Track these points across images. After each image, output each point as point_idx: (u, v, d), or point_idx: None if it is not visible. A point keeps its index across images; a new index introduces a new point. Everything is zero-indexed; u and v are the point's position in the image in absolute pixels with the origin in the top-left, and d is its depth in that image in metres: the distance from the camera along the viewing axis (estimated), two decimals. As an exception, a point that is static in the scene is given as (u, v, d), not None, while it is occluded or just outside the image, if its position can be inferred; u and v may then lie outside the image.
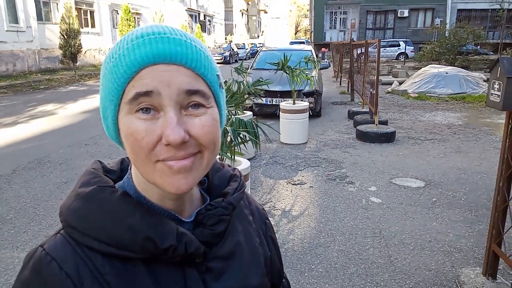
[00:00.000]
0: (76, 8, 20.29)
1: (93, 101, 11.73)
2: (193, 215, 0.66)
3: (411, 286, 2.95)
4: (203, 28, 39.40)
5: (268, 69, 9.16)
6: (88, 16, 22.75)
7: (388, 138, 6.93)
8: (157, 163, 0.56)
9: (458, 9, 30.23)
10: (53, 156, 6.20)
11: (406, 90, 12.77)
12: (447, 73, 12.59)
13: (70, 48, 16.54)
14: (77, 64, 17.62)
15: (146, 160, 0.56)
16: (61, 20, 16.62)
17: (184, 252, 0.60)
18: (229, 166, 0.78)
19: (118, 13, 23.41)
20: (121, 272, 0.58)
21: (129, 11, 21.05)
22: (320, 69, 10.35)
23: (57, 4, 19.90)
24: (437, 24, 26.66)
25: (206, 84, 0.59)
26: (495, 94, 2.61)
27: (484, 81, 12.47)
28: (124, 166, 0.72)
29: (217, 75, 0.62)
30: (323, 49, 28.71)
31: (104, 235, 0.57)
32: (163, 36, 0.56)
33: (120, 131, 0.59)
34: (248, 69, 7.78)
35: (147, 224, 0.58)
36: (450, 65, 15.73)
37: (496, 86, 2.59)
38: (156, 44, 0.55)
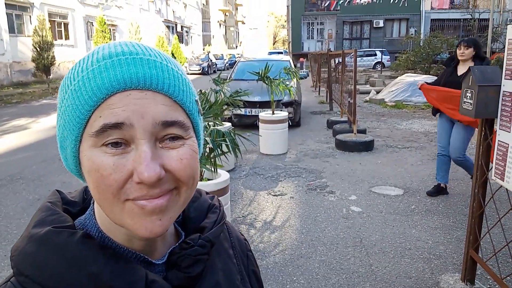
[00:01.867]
0: (49, 20, 19.96)
1: (68, 114, 11.47)
2: (166, 255, 0.58)
3: (392, 295, 2.94)
4: (181, 39, 39.36)
5: (246, 80, 9.18)
6: (62, 28, 22.40)
7: (367, 146, 7.00)
8: (126, 202, 0.49)
9: (431, 19, 31.12)
10: (26, 172, 6.01)
11: (383, 99, 12.99)
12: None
13: (43, 61, 16.23)
14: (50, 77, 17.29)
15: (113, 199, 0.49)
16: (34, 33, 16.32)
17: None
18: (207, 193, 0.72)
19: (93, 25, 23.15)
20: None
21: (104, 22, 20.85)
22: (299, 79, 10.43)
23: (30, 16, 19.54)
24: (412, 34, 27.32)
25: (184, 113, 0.52)
26: (468, 102, 2.66)
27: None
28: (88, 196, 0.63)
29: (196, 101, 0.55)
30: (301, 59, 29.02)
31: (63, 286, 0.49)
32: (136, 57, 0.49)
33: (82, 164, 0.51)
34: (226, 79, 7.76)
35: (111, 272, 0.50)
36: (426, 74, 16.06)
37: (468, 94, 2.64)
38: (127, 66, 0.48)
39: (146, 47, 0.53)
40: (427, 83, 4.86)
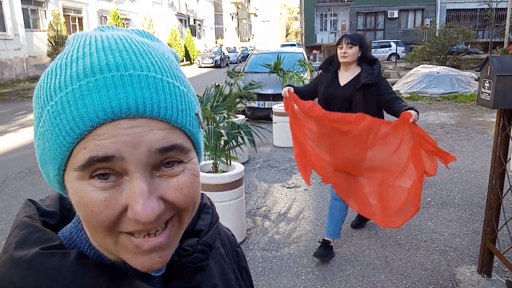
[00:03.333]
0: (64, 15, 20.18)
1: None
2: (164, 266, 0.51)
3: (407, 286, 2.94)
4: (193, 32, 39.40)
5: (259, 72, 9.15)
6: (77, 23, 22.62)
7: (381, 138, 6.93)
8: (120, 235, 0.44)
9: (447, 9, 30.53)
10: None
11: (398, 90, 12.83)
12: (438, 73, 12.69)
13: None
14: (66, 71, 17.53)
15: (106, 233, 0.43)
16: (49, 27, 16.57)
17: None
18: None
19: (106, 19, 23.34)
20: None
21: (118, 16, 21.03)
22: (312, 71, 10.38)
23: (45, 11, 19.77)
24: (427, 24, 26.88)
25: (184, 134, 0.45)
26: (486, 93, 2.62)
27: (475, 80, 12.57)
28: (64, 205, 0.56)
29: (196, 114, 0.48)
30: (314, 51, 28.81)
31: None
32: (124, 74, 0.41)
33: (68, 192, 0.45)
34: (240, 72, 7.76)
35: None
36: (441, 65, 15.85)
37: (487, 84, 2.60)
38: (115, 90, 0.40)
39: (136, 48, 0.44)
40: (295, 89, 3.34)
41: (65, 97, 0.41)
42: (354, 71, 3.14)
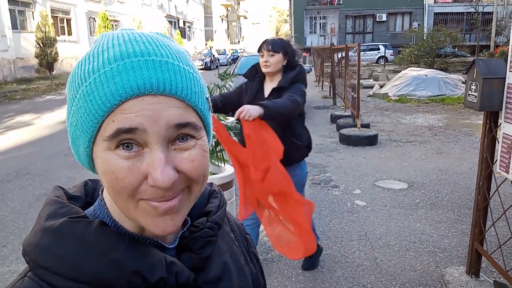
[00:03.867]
0: (52, 16, 20.00)
1: (72, 110, 11.53)
2: (177, 239, 0.60)
3: (397, 287, 2.96)
4: (183, 34, 39.29)
5: (249, 75, 9.15)
6: (65, 24, 22.41)
7: (371, 141, 7.00)
8: (140, 201, 0.50)
9: (435, 13, 30.92)
10: (32, 167, 6.05)
11: (387, 93, 12.96)
12: (426, 75, 12.84)
13: (46, 57, 16.29)
14: (53, 73, 17.36)
15: (128, 198, 0.50)
16: (37, 29, 16.37)
17: (175, 283, 0.54)
18: None
19: (95, 21, 23.14)
20: None
21: (107, 18, 20.84)
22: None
23: (32, 12, 19.55)
24: (415, 28, 27.21)
25: (196, 114, 0.53)
26: (473, 95, 2.65)
27: (463, 82, 12.74)
28: (88, 190, 0.64)
29: (207, 98, 0.56)
30: (304, 53, 28.92)
31: (85, 275, 0.49)
32: (148, 59, 0.49)
33: (96, 164, 0.52)
34: (231, 74, 7.74)
35: (132, 257, 0.52)
36: (429, 68, 16.03)
37: (473, 87, 2.63)
38: (140, 71, 0.48)
39: (157, 42, 0.52)
40: (214, 99, 2.66)
41: (98, 78, 0.48)
42: (279, 79, 2.70)
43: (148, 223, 0.51)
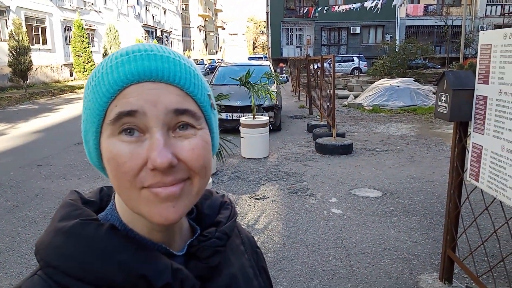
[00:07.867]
0: (27, 25, 19.58)
1: (45, 120, 11.28)
2: (185, 247, 0.61)
3: (373, 294, 3.00)
4: (161, 44, 39.04)
5: (227, 84, 9.20)
6: (40, 33, 21.96)
7: (346, 150, 7.12)
8: (142, 190, 0.51)
9: (406, 26, 31.82)
10: (3, 178, 5.87)
11: (361, 103, 13.21)
12: (398, 86, 13.16)
13: (20, 66, 15.88)
14: (27, 82, 16.92)
15: (130, 186, 0.51)
16: (10, 37, 15.96)
17: None
18: (217, 193, 0.74)
19: (71, 29, 22.77)
20: None
21: (82, 27, 20.57)
22: (280, 83, 10.53)
23: (6, 20, 19.09)
24: (388, 40, 27.90)
25: (196, 104, 0.55)
26: (443, 106, 2.75)
27: (433, 93, 13.12)
28: (103, 196, 0.66)
29: (208, 95, 0.58)
30: (281, 64, 29.22)
31: (92, 275, 0.51)
32: (150, 54, 0.53)
33: (103, 156, 0.54)
34: (209, 84, 7.79)
35: (139, 261, 0.53)
36: (401, 78, 16.41)
37: (443, 98, 2.73)
38: (142, 61, 0.52)
39: (162, 46, 0.56)
40: None
41: (104, 71, 0.53)
42: None
43: (151, 211, 0.52)
